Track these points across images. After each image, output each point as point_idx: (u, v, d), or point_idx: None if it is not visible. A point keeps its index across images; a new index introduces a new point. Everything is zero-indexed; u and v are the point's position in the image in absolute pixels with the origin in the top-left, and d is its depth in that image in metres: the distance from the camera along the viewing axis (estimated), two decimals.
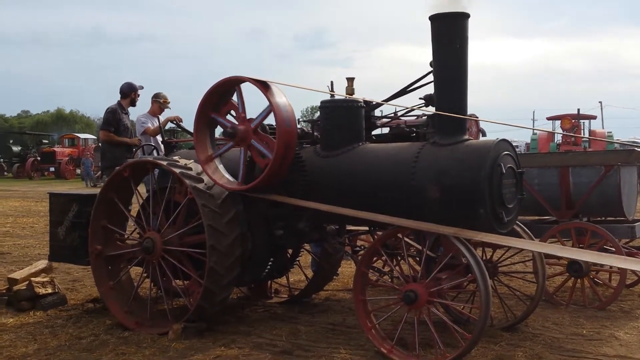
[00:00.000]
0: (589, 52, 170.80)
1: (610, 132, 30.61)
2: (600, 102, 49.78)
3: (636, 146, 7.99)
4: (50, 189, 8.50)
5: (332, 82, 6.04)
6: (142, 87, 8.49)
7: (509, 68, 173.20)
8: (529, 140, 32.81)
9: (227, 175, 5.76)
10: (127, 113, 8.37)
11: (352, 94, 6.03)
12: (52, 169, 40.16)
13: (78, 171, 38.33)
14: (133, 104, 8.42)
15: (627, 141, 29.49)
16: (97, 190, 6.51)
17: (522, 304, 6.16)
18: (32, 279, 6.83)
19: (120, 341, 5.57)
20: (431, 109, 5.56)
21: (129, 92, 8.32)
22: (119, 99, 8.33)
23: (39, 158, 41.12)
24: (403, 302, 4.92)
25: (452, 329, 4.84)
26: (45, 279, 6.92)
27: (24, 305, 6.65)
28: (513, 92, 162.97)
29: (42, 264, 7.30)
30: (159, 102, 8.41)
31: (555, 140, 26.94)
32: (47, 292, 6.81)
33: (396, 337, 4.99)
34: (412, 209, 5.10)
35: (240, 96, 5.63)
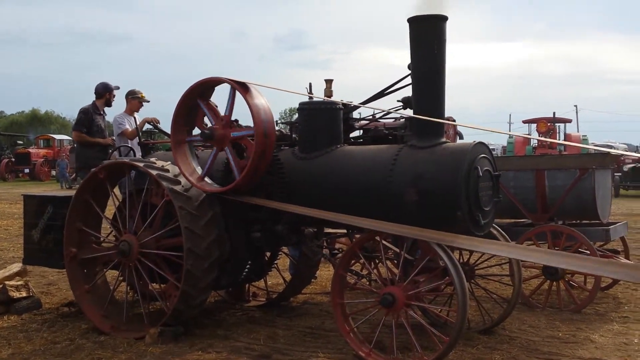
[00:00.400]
0: (566, 56, 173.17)
1: (585, 135, 30.99)
2: (576, 106, 50.51)
3: (610, 150, 8.09)
4: (25, 191, 8.40)
5: (310, 84, 6.04)
6: (117, 88, 8.40)
7: (487, 71, 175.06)
8: (505, 143, 33.09)
9: (205, 178, 5.72)
10: (101, 114, 8.28)
11: (331, 96, 6.03)
12: (26, 170, 39.63)
13: (53, 173, 37.88)
14: (108, 104, 8.34)
15: (602, 144, 29.91)
16: (72, 192, 6.43)
17: (499, 306, 6.20)
18: (6, 282, 6.72)
19: (96, 345, 5.51)
20: (409, 112, 5.57)
21: (104, 93, 8.24)
22: (94, 99, 8.25)
23: (13, 159, 40.55)
24: (381, 305, 4.92)
25: (430, 331, 4.85)
26: (19, 283, 6.82)
27: None
28: (490, 96, 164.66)
29: (17, 267, 7.19)
30: (138, 98, 8.28)
31: (531, 144, 27.19)
32: (21, 295, 6.71)
33: (374, 340, 5.00)
34: (389, 212, 5.11)
35: (205, 105, 5.61)
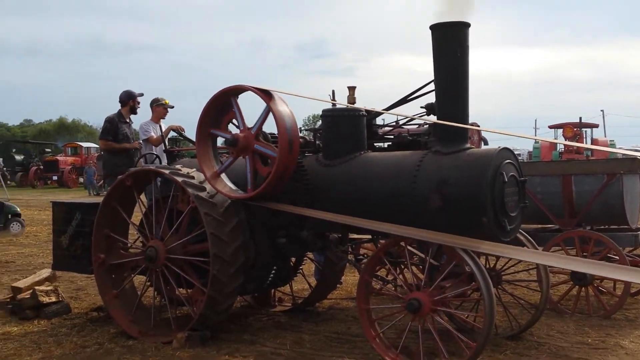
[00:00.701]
0: (591, 61, 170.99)
1: (613, 140, 30.61)
2: (602, 111, 50.01)
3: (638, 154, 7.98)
4: (53, 198, 8.54)
5: (333, 91, 6.06)
6: (141, 95, 8.51)
7: (512, 77, 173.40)
8: (531, 149, 32.79)
9: (229, 184, 5.77)
10: (127, 122, 8.40)
11: (354, 102, 6.05)
12: (55, 177, 40.21)
13: (81, 180, 38.37)
14: (133, 111, 8.45)
15: (630, 149, 29.52)
16: (100, 199, 6.52)
17: (527, 312, 6.15)
18: (36, 287, 6.84)
19: (124, 350, 5.58)
20: (432, 118, 5.57)
21: (127, 100, 8.37)
22: (119, 108, 8.37)
23: (41, 167, 41.17)
24: (407, 311, 4.92)
25: (457, 337, 4.83)
26: (49, 288, 6.92)
27: (28, 313, 6.67)
28: (515, 101, 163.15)
29: (46, 272, 7.31)
30: (162, 105, 8.41)
31: (558, 149, 26.92)
32: (51, 300, 6.82)
33: (400, 345, 4.99)
34: (414, 218, 5.10)
35: (237, 105, 5.65)
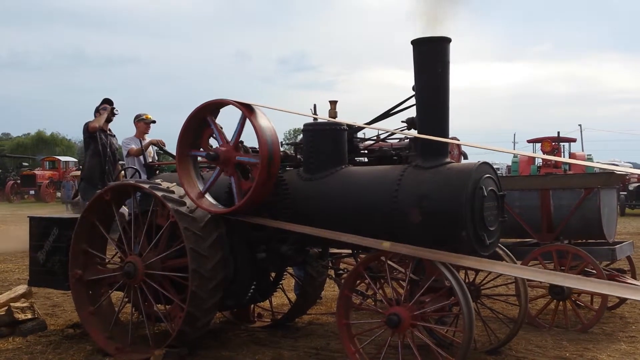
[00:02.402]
0: (570, 76, 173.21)
1: (590, 154, 30.99)
2: (580, 125, 50.57)
3: (615, 169, 8.08)
4: (31, 213, 8.42)
5: (315, 105, 6.07)
6: (108, 101, 8.51)
7: (491, 91, 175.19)
8: (510, 163, 33.07)
9: (209, 199, 5.74)
10: (105, 131, 8.42)
11: (335, 117, 6.06)
12: (32, 192, 39.73)
13: (58, 194, 37.95)
14: (107, 120, 8.47)
15: (607, 163, 29.89)
16: (77, 214, 6.45)
17: (505, 326, 6.17)
18: (12, 304, 6.72)
19: None
20: (413, 132, 5.59)
21: (94, 114, 8.45)
22: None
23: (19, 181, 40.68)
24: (386, 326, 4.91)
25: (436, 352, 4.82)
26: (24, 304, 6.81)
27: (2, 331, 6.55)
28: (494, 115, 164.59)
29: (22, 288, 7.18)
30: (144, 120, 8.43)
31: (536, 163, 27.18)
32: (26, 317, 6.70)
33: None
34: (394, 232, 5.11)
35: (213, 123, 5.64)
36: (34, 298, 7.43)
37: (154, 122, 8.50)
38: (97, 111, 8.49)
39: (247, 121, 5.46)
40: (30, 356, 5.85)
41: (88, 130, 8.28)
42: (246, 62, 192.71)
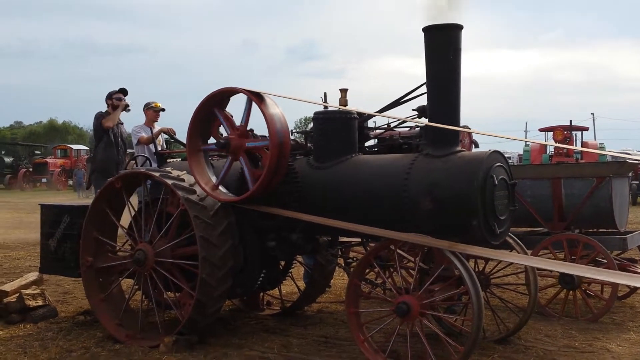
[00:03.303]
0: (581, 64, 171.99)
1: (602, 143, 30.76)
2: (593, 114, 50.14)
3: (628, 157, 8.01)
4: (42, 200, 8.48)
5: (325, 94, 6.05)
6: (123, 91, 8.53)
7: (503, 79, 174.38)
8: (521, 152, 32.91)
9: (221, 187, 5.74)
10: (118, 124, 8.45)
11: (346, 105, 6.04)
12: (44, 180, 40.00)
13: (70, 182, 38.19)
14: (115, 109, 8.50)
15: (619, 152, 29.63)
16: (89, 202, 6.48)
17: (515, 316, 6.15)
18: (23, 291, 6.78)
19: (111, 354, 5.54)
20: (424, 121, 5.57)
21: (106, 100, 8.52)
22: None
23: (31, 169, 40.95)
24: (395, 314, 4.91)
25: (445, 341, 4.82)
26: (35, 291, 6.87)
27: (14, 317, 6.60)
28: (506, 104, 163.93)
29: (33, 276, 7.25)
30: (153, 108, 8.44)
31: (548, 152, 27.02)
32: (37, 304, 6.76)
33: (389, 349, 4.97)
34: (404, 221, 5.10)
35: (221, 114, 5.63)
36: (45, 285, 7.49)
37: (163, 110, 8.50)
38: (110, 98, 8.47)
39: (256, 109, 5.45)
40: (41, 342, 5.90)
41: (102, 127, 8.29)
42: (254, 51, 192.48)
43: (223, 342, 5.82)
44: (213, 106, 5.66)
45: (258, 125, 5.60)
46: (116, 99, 8.48)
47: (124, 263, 6.15)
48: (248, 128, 5.64)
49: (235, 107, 5.74)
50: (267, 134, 5.48)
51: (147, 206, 6.05)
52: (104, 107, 8.60)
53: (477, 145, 14.92)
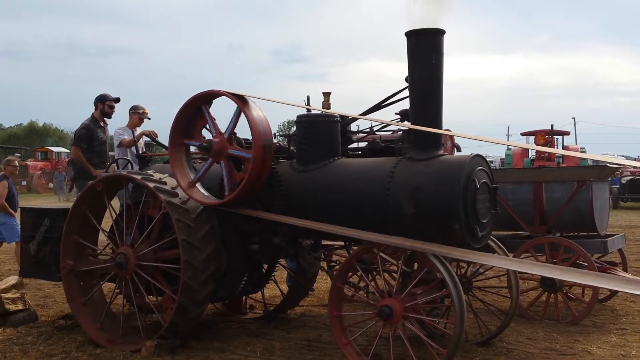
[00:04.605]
0: (564, 68, 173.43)
1: (584, 147, 31.04)
2: (574, 118, 50.45)
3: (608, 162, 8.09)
4: (22, 204, 8.38)
5: (308, 97, 6.07)
6: (117, 100, 8.40)
7: (485, 84, 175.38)
8: (503, 156, 33.11)
9: (202, 190, 5.72)
10: (102, 126, 8.30)
11: (329, 108, 6.05)
12: (24, 183, 39.56)
13: (51, 185, 37.82)
14: (105, 115, 8.32)
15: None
16: (69, 205, 6.42)
17: (497, 318, 6.18)
18: (3, 295, 6.70)
19: (92, 358, 5.49)
20: (407, 124, 5.59)
21: (96, 103, 8.30)
22: (93, 112, 8.28)
23: None
24: (378, 318, 4.92)
25: (427, 344, 4.84)
26: (15, 295, 6.79)
27: None
28: (488, 108, 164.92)
29: (13, 279, 7.15)
30: (138, 114, 8.38)
31: (529, 156, 27.23)
32: (17, 308, 6.69)
33: (371, 352, 4.97)
34: (387, 224, 5.11)
35: (207, 113, 5.61)
36: (25, 289, 7.40)
37: (149, 118, 8.48)
38: (102, 102, 8.29)
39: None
40: (21, 347, 5.83)
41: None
42: (240, 53, 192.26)
43: (205, 346, 5.79)
44: (201, 104, 5.62)
45: (240, 127, 5.59)
46: (108, 107, 8.34)
47: (105, 267, 6.10)
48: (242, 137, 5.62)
49: (218, 110, 5.73)
50: (249, 137, 5.47)
51: (128, 209, 6.01)
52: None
53: (459, 149, 15.01)
